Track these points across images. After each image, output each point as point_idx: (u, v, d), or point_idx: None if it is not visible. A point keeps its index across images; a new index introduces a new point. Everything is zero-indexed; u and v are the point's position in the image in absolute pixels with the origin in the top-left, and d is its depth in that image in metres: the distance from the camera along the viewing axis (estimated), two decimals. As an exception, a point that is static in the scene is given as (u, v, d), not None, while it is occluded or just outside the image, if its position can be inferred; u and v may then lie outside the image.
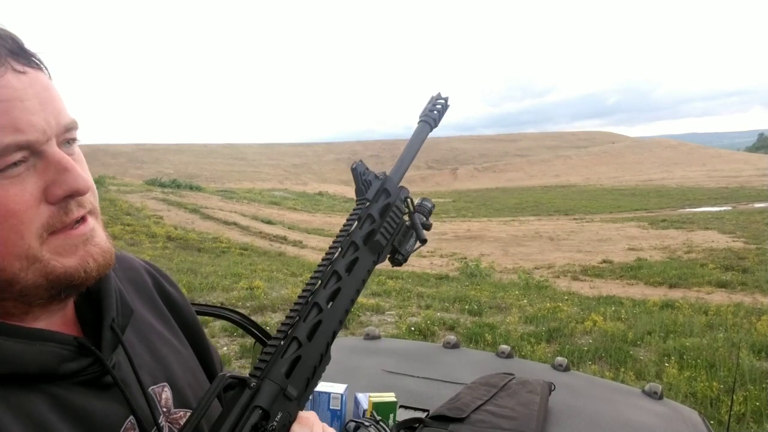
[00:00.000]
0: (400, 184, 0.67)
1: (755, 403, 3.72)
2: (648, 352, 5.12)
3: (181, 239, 13.63)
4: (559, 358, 1.61)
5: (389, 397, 1.19)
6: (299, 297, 0.57)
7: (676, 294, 8.69)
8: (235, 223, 18.88)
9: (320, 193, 45.66)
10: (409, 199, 0.66)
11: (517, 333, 5.73)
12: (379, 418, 1.13)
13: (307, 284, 0.58)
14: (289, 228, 20.42)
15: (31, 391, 0.48)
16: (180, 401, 0.61)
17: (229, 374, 0.52)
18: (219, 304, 0.99)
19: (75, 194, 0.49)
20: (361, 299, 7.49)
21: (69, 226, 0.49)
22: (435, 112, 0.72)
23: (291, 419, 0.53)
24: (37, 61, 0.50)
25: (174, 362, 0.64)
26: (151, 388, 0.59)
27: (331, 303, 0.57)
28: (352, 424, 1.12)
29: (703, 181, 42.21)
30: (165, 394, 0.60)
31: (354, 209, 0.63)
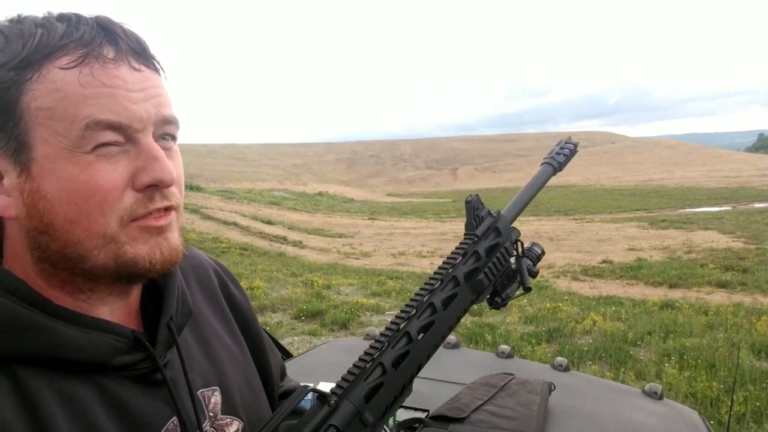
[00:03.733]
0: (513, 224, 0.66)
1: (755, 403, 3.72)
2: (648, 352, 5.12)
3: (181, 239, 13.60)
4: (559, 359, 1.60)
5: (389, 397, 1.19)
6: (391, 322, 0.56)
7: (676, 294, 8.69)
8: (235, 224, 18.88)
9: (320, 194, 45.66)
10: (518, 242, 0.65)
11: (517, 333, 5.73)
12: (378, 418, 1.13)
13: (402, 311, 0.57)
14: (289, 228, 20.42)
15: (80, 379, 0.49)
16: (229, 407, 0.61)
17: (311, 388, 0.52)
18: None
19: (159, 183, 0.50)
20: (361, 299, 7.49)
21: (150, 215, 0.51)
22: (561, 156, 0.71)
23: None
24: (156, 64, 0.54)
25: (229, 367, 0.63)
26: (201, 390, 0.59)
27: (422, 335, 0.56)
28: (352, 425, 1.11)
29: (703, 181, 42.21)
30: (214, 399, 0.60)
31: (461, 243, 0.62)
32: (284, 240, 17.03)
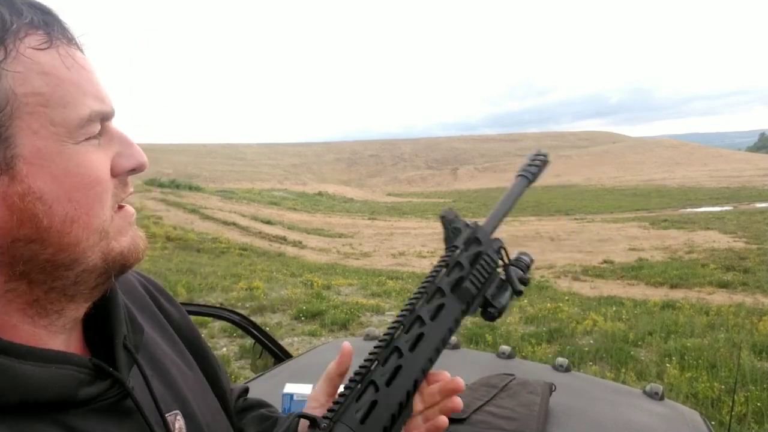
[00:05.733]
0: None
1: (756, 403, 3.71)
2: (649, 353, 5.12)
3: (180, 240, 13.63)
4: (560, 359, 1.60)
5: (389, 398, 1.19)
6: (379, 341, 0.55)
7: (677, 294, 8.68)
8: (234, 224, 18.89)
9: (320, 193, 45.67)
10: (503, 250, 0.64)
11: (517, 333, 5.72)
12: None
13: (389, 329, 0.55)
14: (288, 228, 20.43)
15: (45, 421, 0.42)
16: (193, 430, 0.56)
17: (299, 413, 0.50)
18: (218, 305, 0.98)
19: (139, 168, 0.48)
20: (361, 300, 7.49)
21: (125, 204, 0.48)
22: (534, 167, 0.71)
23: None
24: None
25: (184, 386, 0.59)
26: (165, 416, 0.54)
27: (413, 349, 0.54)
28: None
29: (704, 181, 42.20)
30: (178, 424, 0.55)
31: (442, 257, 0.61)
32: (284, 240, 17.03)
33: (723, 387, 4.01)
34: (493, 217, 0.67)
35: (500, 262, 0.63)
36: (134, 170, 0.48)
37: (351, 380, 0.52)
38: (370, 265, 12.96)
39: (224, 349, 5.03)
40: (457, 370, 1.68)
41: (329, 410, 0.50)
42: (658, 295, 8.56)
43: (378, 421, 0.50)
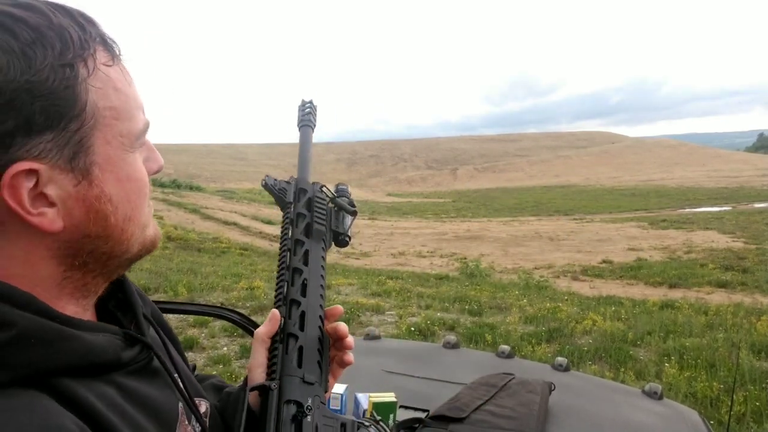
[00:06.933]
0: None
1: (755, 403, 3.72)
2: (648, 352, 5.13)
3: (181, 239, 13.62)
4: (560, 358, 1.61)
5: (389, 397, 1.19)
6: (276, 300, 0.63)
7: (676, 294, 8.69)
8: (235, 224, 18.89)
9: (320, 193, 45.57)
10: (324, 188, 0.73)
11: (517, 333, 5.73)
12: (379, 418, 1.13)
13: (277, 291, 0.64)
14: (289, 228, 20.40)
15: (102, 381, 0.48)
16: (193, 390, 0.61)
17: (251, 387, 0.57)
18: (219, 304, 0.99)
19: (159, 170, 0.56)
20: (361, 299, 7.49)
21: None
22: (309, 115, 0.80)
23: (323, 400, 0.57)
24: None
25: (176, 357, 0.64)
26: (183, 376, 0.60)
27: (305, 294, 0.63)
28: (352, 424, 1.11)
29: (702, 181, 42.23)
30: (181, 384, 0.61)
31: (284, 216, 0.69)
32: (284, 240, 17.01)
33: (722, 386, 4.01)
34: (302, 166, 0.76)
35: (327, 199, 0.73)
36: (156, 172, 0.55)
37: (273, 342, 0.61)
38: (370, 264, 12.97)
39: (225, 348, 5.03)
40: (457, 370, 1.69)
41: (269, 373, 0.59)
42: (657, 294, 8.58)
43: (311, 358, 0.59)
